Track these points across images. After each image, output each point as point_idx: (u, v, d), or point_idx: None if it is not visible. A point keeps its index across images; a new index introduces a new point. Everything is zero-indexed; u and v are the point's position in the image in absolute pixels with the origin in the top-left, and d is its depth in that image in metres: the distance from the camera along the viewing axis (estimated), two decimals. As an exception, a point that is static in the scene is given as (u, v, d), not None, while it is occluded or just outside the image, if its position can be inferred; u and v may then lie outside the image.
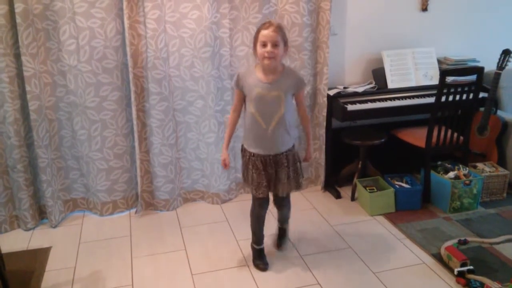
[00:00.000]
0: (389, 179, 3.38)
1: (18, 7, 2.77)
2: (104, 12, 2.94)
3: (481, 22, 3.82)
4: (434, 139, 3.19)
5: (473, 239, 2.85)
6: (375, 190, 3.30)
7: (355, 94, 3.42)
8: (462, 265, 2.51)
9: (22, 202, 3.11)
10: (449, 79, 3.26)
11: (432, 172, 3.30)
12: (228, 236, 3.03)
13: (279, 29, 2.29)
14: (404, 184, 3.37)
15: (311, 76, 3.42)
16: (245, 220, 2.70)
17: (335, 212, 3.31)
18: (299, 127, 3.18)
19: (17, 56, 2.90)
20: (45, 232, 3.16)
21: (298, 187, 2.57)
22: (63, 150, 3.24)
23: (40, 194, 3.22)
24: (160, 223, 3.24)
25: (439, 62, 3.64)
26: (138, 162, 3.25)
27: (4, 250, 2.70)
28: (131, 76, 3.07)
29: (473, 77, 3.11)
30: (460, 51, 3.78)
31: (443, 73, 3.05)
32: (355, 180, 3.42)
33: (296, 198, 3.47)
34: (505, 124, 3.46)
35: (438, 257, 2.69)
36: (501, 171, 3.36)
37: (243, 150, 2.53)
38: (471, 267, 2.49)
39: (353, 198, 3.46)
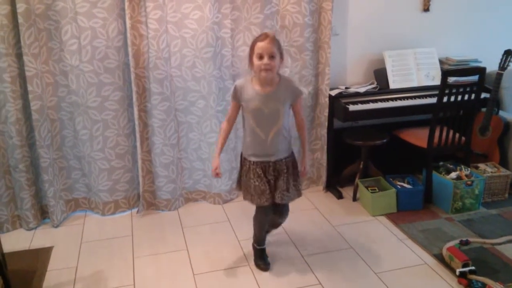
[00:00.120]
0: (391, 179, 3.38)
1: (20, 7, 2.78)
2: (106, 12, 2.94)
3: (483, 22, 3.81)
4: (436, 139, 3.18)
5: (475, 239, 2.85)
6: (377, 190, 3.30)
7: (357, 94, 3.41)
8: (464, 265, 2.51)
9: (24, 202, 3.12)
10: (451, 79, 3.26)
11: (434, 173, 3.29)
12: (229, 236, 3.03)
13: (275, 40, 2.29)
14: (406, 185, 3.37)
15: (313, 77, 3.42)
16: (247, 220, 2.70)
17: (336, 212, 3.31)
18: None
19: (19, 56, 2.90)
20: (47, 232, 3.16)
21: (299, 194, 2.56)
22: (65, 150, 3.24)
23: (42, 194, 3.23)
24: (162, 223, 3.24)
25: (441, 62, 3.64)
26: (139, 162, 3.26)
27: (6, 250, 2.71)
28: (132, 76, 3.08)
29: (475, 78, 3.11)
30: (461, 51, 3.77)
31: (445, 74, 3.05)
32: (357, 180, 3.42)
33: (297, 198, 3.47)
34: (507, 125, 3.46)
35: (439, 258, 2.69)
36: (503, 171, 3.36)
37: (243, 159, 2.51)
38: (473, 268, 2.49)
39: (354, 199, 3.46)
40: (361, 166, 3.47)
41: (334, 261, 2.72)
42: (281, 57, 2.32)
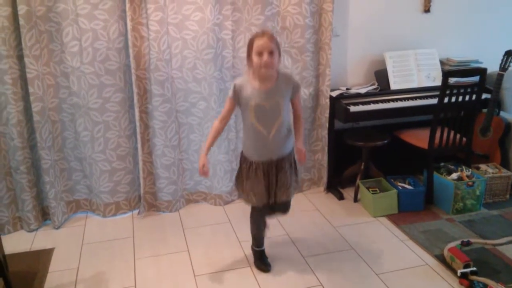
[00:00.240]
0: (392, 180, 3.38)
1: (21, 9, 2.78)
2: (107, 14, 2.95)
3: (484, 23, 3.81)
4: (437, 140, 3.18)
5: (476, 240, 2.85)
6: (378, 191, 3.30)
7: (358, 95, 3.42)
8: (465, 266, 2.51)
9: (25, 204, 3.12)
10: (452, 80, 3.25)
11: (435, 174, 3.29)
12: (230, 238, 3.03)
13: (273, 37, 2.30)
14: (407, 186, 3.37)
15: (314, 78, 3.42)
16: (248, 222, 2.70)
17: (337, 213, 3.31)
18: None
19: (20, 58, 2.91)
20: (48, 233, 3.17)
21: (298, 187, 2.57)
22: (66, 151, 3.25)
23: (43, 196, 3.23)
24: (163, 224, 3.25)
25: (442, 63, 3.64)
26: (140, 163, 3.26)
27: (7, 251, 2.71)
28: (133, 77, 3.08)
29: (476, 78, 3.11)
30: (462, 52, 3.77)
31: (446, 74, 3.05)
32: (358, 181, 3.42)
33: (298, 199, 3.48)
34: (508, 125, 3.46)
35: (441, 259, 2.69)
36: (504, 172, 3.36)
37: (244, 158, 2.51)
38: (474, 269, 2.49)
39: (355, 200, 3.46)
40: (362, 167, 3.47)
41: (335, 262, 2.72)
42: (279, 54, 2.33)
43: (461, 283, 2.46)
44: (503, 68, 3.37)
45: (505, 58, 3.37)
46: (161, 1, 2.97)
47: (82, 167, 3.29)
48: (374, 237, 2.98)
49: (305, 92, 3.39)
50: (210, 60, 3.14)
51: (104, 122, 3.15)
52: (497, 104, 3.52)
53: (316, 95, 3.47)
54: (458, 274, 2.49)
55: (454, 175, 3.23)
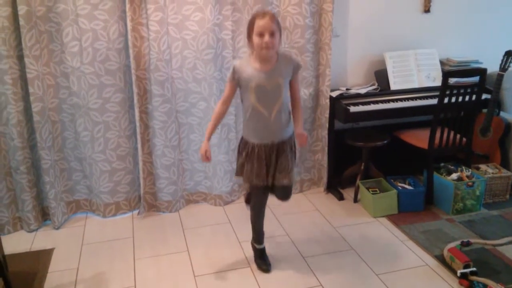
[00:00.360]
0: (392, 180, 3.38)
1: (22, 9, 2.78)
2: (107, 14, 2.95)
3: (484, 23, 3.81)
4: (437, 140, 3.18)
5: (476, 240, 2.84)
6: (378, 191, 3.30)
7: (358, 95, 3.41)
8: (465, 267, 2.51)
9: (25, 204, 3.12)
10: (452, 80, 3.26)
11: (435, 174, 3.29)
12: (230, 238, 3.03)
13: (274, 17, 2.27)
14: (406, 186, 3.36)
15: (314, 78, 3.42)
16: (248, 222, 2.70)
17: (337, 213, 3.31)
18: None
19: (20, 58, 2.91)
20: (48, 234, 3.17)
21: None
22: (66, 151, 3.25)
23: (43, 196, 3.23)
24: (163, 224, 3.25)
25: (442, 63, 3.64)
26: (140, 163, 3.26)
27: (7, 252, 2.71)
28: (133, 78, 3.08)
29: (476, 79, 3.11)
30: (462, 52, 3.77)
31: (446, 75, 3.04)
32: (358, 181, 3.42)
33: (298, 199, 3.48)
34: (508, 126, 3.46)
35: (441, 259, 2.69)
36: (504, 172, 3.36)
37: (244, 142, 2.48)
38: (474, 269, 2.49)
39: (355, 200, 3.46)
40: (362, 167, 3.47)
41: (335, 262, 2.72)
42: (280, 34, 2.31)
43: (461, 284, 2.46)
44: (503, 68, 3.37)
45: (505, 58, 3.37)
46: (161, 2, 2.97)
47: (82, 167, 3.29)
48: (374, 237, 2.98)
49: (305, 92, 3.39)
50: (210, 60, 3.14)
51: (104, 122, 3.15)
52: (497, 104, 3.52)
53: (316, 95, 3.47)
54: (458, 274, 2.49)
55: (454, 176, 3.23)
